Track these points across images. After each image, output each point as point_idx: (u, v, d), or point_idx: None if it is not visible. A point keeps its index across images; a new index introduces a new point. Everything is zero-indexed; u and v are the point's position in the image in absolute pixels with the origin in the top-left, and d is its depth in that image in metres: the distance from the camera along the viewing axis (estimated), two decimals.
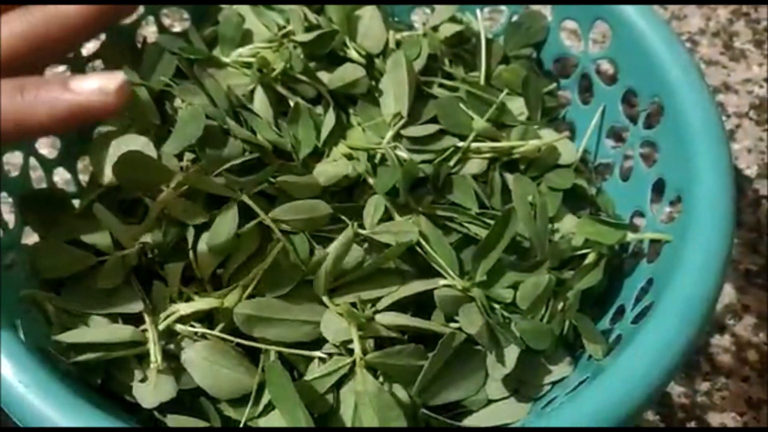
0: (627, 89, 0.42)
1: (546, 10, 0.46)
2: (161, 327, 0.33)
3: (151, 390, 0.32)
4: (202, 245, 0.36)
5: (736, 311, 0.47)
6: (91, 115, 0.30)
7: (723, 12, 0.59)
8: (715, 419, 0.44)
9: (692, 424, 0.43)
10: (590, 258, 0.38)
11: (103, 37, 0.43)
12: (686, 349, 0.30)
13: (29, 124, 0.29)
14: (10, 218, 0.37)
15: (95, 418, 0.28)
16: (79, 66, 0.43)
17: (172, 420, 0.32)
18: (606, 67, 0.47)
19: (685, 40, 0.57)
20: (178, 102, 0.42)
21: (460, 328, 0.35)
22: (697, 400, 0.44)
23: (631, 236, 0.37)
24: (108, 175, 0.38)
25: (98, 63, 0.43)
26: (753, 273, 0.48)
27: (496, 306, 0.36)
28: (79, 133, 0.42)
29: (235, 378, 0.33)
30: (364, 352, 0.33)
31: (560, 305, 0.36)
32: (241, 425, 0.33)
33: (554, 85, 0.46)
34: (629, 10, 0.41)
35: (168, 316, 0.33)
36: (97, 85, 0.29)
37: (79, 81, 0.29)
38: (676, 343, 0.30)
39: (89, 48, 0.44)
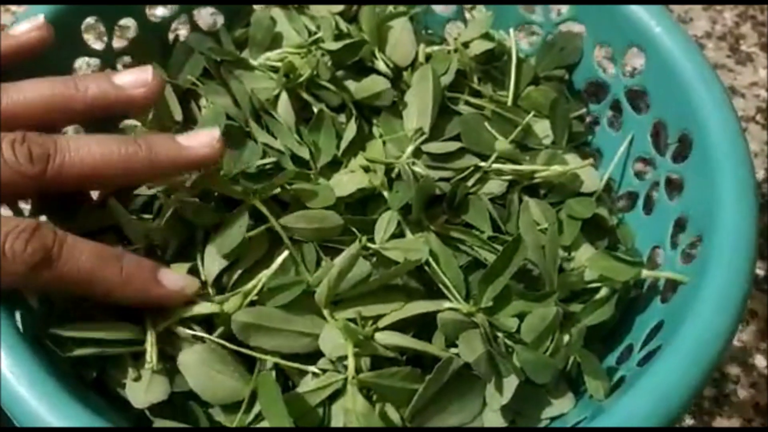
0: (657, 120, 0.41)
1: (578, 27, 0.45)
2: (160, 328, 0.33)
3: (143, 390, 0.32)
4: (210, 248, 0.36)
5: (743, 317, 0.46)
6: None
7: (729, 15, 0.58)
8: (722, 425, 0.43)
9: None
10: (602, 293, 0.37)
11: (134, 32, 0.44)
12: (689, 398, 0.29)
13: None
14: (23, 207, 0.37)
15: (81, 413, 0.28)
16: (110, 59, 0.43)
17: (159, 424, 0.32)
18: (638, 95, 0.46)
19: None
20: (203, 102, 0.42)
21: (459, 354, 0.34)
22: (704, 406, 0.43)
23: (645, 273, 0.36)
24: None
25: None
26: (760, 278, 0.47)
27: (500, 334, 0.35)
28: (103, 126, 0.42)
29: (228, 384, 0.33)
30: (359, 370, 0.33)
31: (566, 339, 0.36)
32: None
33: (584, 109, 0.45)
34: (665, 38, 0.40)
35: (168, 317, 0.33)
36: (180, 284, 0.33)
37: (166, 275, 0.33)
38: (679, 391, 0.29)
39: (121, 41, 0.44)
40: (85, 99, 0.34)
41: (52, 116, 0.33)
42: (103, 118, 0.36)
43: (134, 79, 0.35)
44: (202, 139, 0.34)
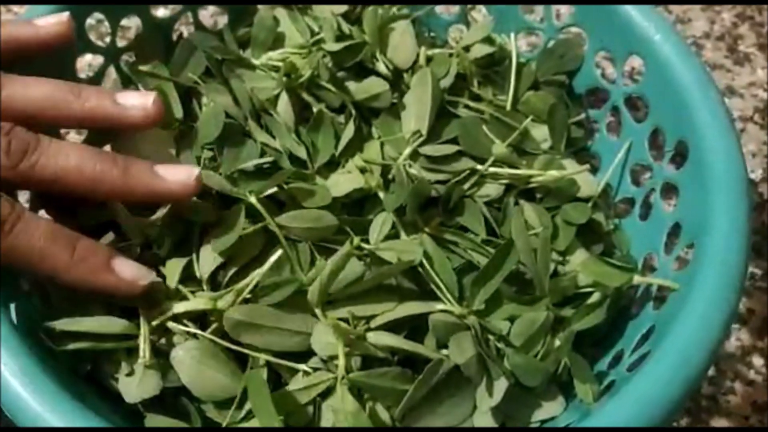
0: (655, 127, 0.41)
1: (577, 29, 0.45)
2: (154, 323, 0.34)
3: (135, 384, 0.32)
4: (206, 245, 0.36)
5: (740, 315, 0.46)
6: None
7: (727, 15, 0.58)
8: (720, 423, 0.43)
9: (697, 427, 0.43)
10: (594, 297, 0.37)
11: (138, 28, 0.44)
12: (674, 404, 0.29)
13: None
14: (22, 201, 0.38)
15: (72, 406, 0.28)
16: (114, 57, 0.44)
17: (150, 420, 0.32)
18: (637, 102, 0.46)
19: (690, 44, 0.56)
20: (205, 100, 0.43)
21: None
22: (702, 404, 0.44)
23: (637, 279, 0.36)
24: None
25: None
26: (757, 277, 0.48)
27: (491, 337, 0.35)
28: None
29: (220, 380, 0.33)
30: (349, 369, 0.33)
31: (557, 343, 0.36)
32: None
33: (583, 115, 0.45)
34: (665, 47, 0.40)
35: (162, 313, 0.34)
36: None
37: (120, 264, 0.33)
38: (662, 399, 0.29)
39: (125, 39, 0.45)
40: (82, 107, 0.34)
41: (46, 115, 0.34)
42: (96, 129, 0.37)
43: (135, 102, 0.35)
44: (180, 176, 0.34)
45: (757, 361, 0.45)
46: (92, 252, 0.32)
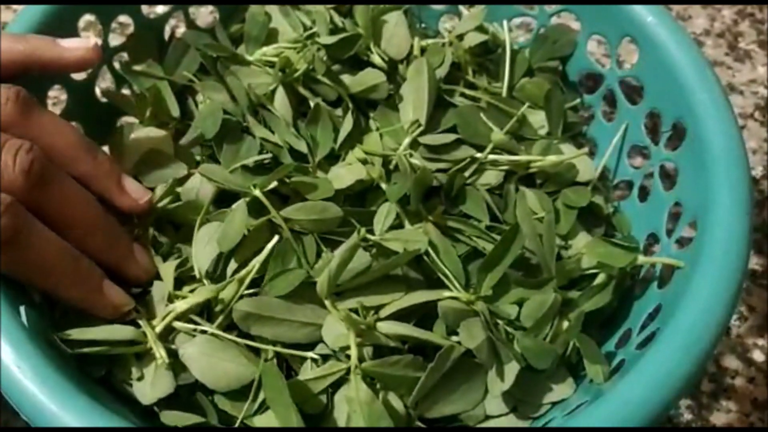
0: (651, 109, 0.41)
1: (574, 24, 0.45)
2: (159, 329, 0.34)
3: (149, 385, 0.32)
4: (211, 242, 0.36)
5: (741, 312, 0.47)
6: None
7: (728, 12, 0.59)
8: (720, 420, 0.43)
9: (698, 425, 0.43)
10: (599, 279, 0.37)
11: (130, 28, 0.44)
12: (686, 381, 0.30)
13: None
14: None
15: (90, 406, 0.28)
16: (107, 57, 0.43)
17: (166, 416, 0.32)
18: (632, 85, 0.46)
19: None
20: (200, 98, 0.42)
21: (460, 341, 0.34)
22: (702, 401, 0.44)
23: (642, 259, 0.37)
24: (126, 166, 0.39)
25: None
26: (758, 274, 0.48)
27: (500, 321, 0.36)
28: (101, 122, 0.43)
29: (234, 370, 0.33)
30: (361, 359, 0.33)
31: (565, 325, 0.36)
32: (238, 423, 0.33)
33: (578, 100, 0.45)
34: (658, 28, 0.40)
35: (165, 316, 0.34)
36: None
37: (110, 288, 0.34)
38: (676, 375, 0.30)
39: (122, 36, 0.44)
40: (88, 172, 0.35)
41: (60, 160, 0.34)
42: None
43: (137, 195, 0.36)
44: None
45: (758, 358, 0.45)
46: (91, 273, 0.33)
